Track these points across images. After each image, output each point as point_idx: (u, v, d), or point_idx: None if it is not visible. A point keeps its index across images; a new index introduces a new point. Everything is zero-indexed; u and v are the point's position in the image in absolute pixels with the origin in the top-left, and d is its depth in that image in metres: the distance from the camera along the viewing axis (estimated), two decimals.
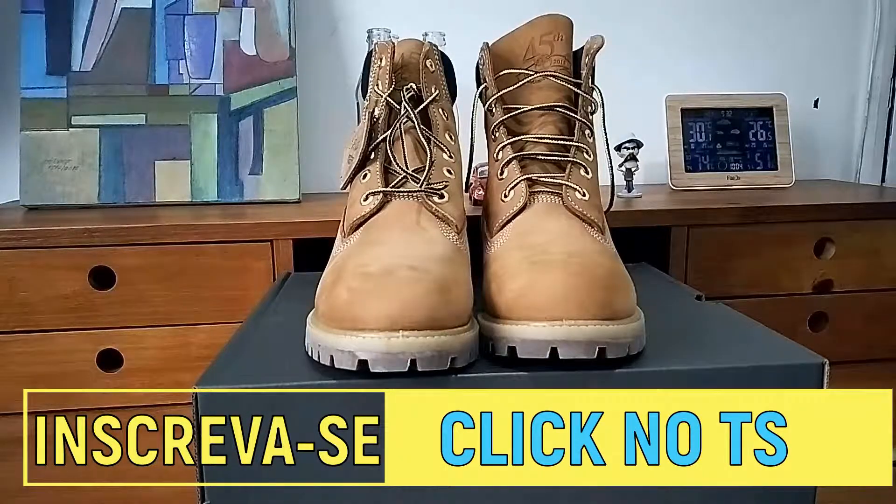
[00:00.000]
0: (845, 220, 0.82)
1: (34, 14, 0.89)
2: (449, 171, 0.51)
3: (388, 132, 0.51)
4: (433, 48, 0.56)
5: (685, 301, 0.56)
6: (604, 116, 0.57)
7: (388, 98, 0.52)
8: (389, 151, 0.50)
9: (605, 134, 0.58)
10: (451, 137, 0.54)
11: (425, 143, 0.51)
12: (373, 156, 0.51)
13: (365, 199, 0.49)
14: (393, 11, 1.04)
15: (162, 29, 0.91)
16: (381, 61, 0.53)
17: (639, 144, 0.92)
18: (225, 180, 0.90)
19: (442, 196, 0.49)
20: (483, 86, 0.57)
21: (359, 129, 0.52)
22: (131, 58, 0.90)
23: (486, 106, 0.56)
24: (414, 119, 0.51)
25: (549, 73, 0.54)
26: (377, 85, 0.53)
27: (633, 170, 0.93)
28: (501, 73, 0.55)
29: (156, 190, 0.89)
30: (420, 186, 0.49)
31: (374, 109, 0.52)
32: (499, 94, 0.55)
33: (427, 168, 0.50)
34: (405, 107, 0.51)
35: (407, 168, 0.50)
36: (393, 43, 0.53)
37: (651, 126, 1.00)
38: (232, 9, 0.93)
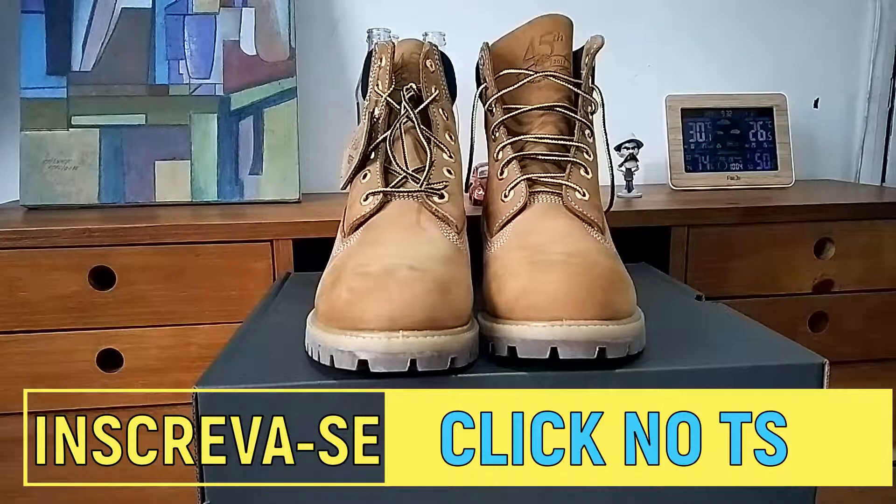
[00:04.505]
0: (845, 220, 0.82)
1: (34, 14, 0.89)
2: (449, 171, 0.51)
3: (388, 132, 0.51)
4: (433, 48, 0.56)
5: (685, 301, 0.56)
6: (604, 116, 0.57)
7: (388, 98, 0.52)
8: (389, 151, 0.50)
9: (605, 134, 0.58)
10: (451, 137, 0.54)
11: (425, 143, 0.51)
12: (373, 156, 0.51)
13: (365, 199, 0.49)
14: (393, 11, 1.04)
15: (162, 29, 0.91)
16: (381, 61, 0.53)
17: (639, 144, 0.92)
18: (225, 180, 0.90)
19: (442, 196, 0.49)
20: (483, 86, 0.57)
21: (359, 130, 0.52)
22: (131, 58, 0.90)
23: (486, 106, 0.56)
24: (414, 119, 0.51)
25: (549, 73, 0.54)
26: (377, 85, 0.52)
27: (633, 170, 0.93)
28: (501, 73, 0.55)
29: (156, 190, 0.89)
30: (420, 186, 0.49)
31: (374, 109, 0.52)
32: (499, 94, 0.55)
33: (427, 168, 0.50)
34: (405, 107, 0.51)
35: (407, 168, 0.50)
36: (393, 43, 0.53)
37: (651, 126, 0.99)
38: (232, 9, 0.93)
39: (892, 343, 0.85)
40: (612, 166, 0.61)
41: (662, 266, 0.76)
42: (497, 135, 0.55)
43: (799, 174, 1.03)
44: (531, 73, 0.54)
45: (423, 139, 0.51)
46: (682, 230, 0.79)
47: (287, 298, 0.59)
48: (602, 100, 0.56)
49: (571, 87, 0.54)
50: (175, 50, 0.91)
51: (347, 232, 0.48)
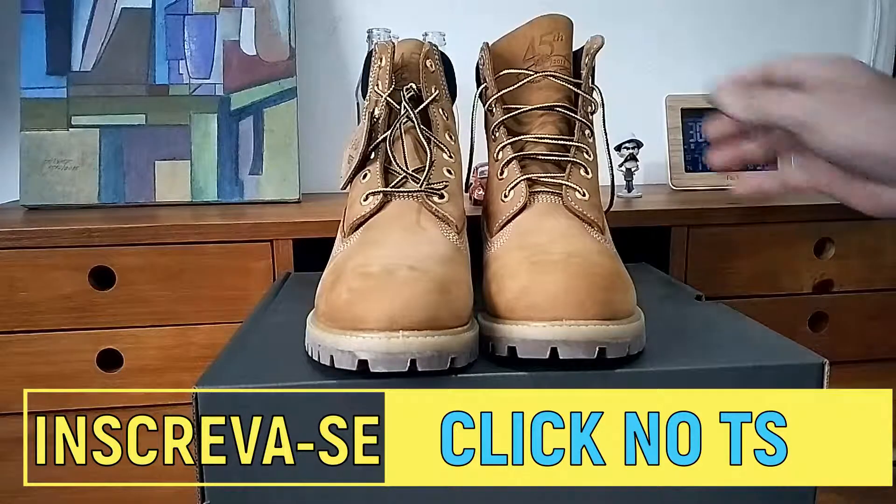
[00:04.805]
0: (845, 220, 0.82)
1: (34, 14, 0.89)
2: (449, 171, 0.51)
3: (388, 132, 0.51)
4: (433, 48, 0.56)
5: (685, 301, 0.56)
6: (604, 116, 0.57)
7: (388, 98, 0.52)
8: (389, 151, 0.50)
9: (605, 134, 0.58)
10: (451, 137, 0.54)
11: (425, 143, 0.51)
12: (373, 156, 0.51)
13: (365, 199, 0.49)
14: (393, 11, 1.04)
15: (162, 29, 0.91)
16: (381, 61, 0.53)
17: (639, 144, 0.92)
18: (225, 180, 0.90)
19: (442, 196, 0.49)
20: (483, 86, 0.57)
21: (359, 130, 0.52)
22: (131, 58, 0.90)
23: (486, 106, 0.56)
24: (414, 119, 0.51)
25: (549, 73, 0.54)
26: (377, 85, 0.52)
27: (633, 170, 0.93)
28: (501, 73, 0.55)
29: (156, 190, 0.89)
30: (420, 186, 0.49)
31: (374, 109, 0.52)
32: (499, 94, 0.55)
33: (427, 168, 0.50)
34: (405, 107, 0.51)
35: (407, 168, 0.50)
36: (393, 43, 0.53)
37: (651, 126, 0.99)
38: (232, 9, 0.93)
39: (892, 343, 0.85)
40: (612, 166, 0.61)
41: (662, 266, 0.76)
42: (497, 135, 0.55)
43: None
44: (531, 73, 0.54)
45: (423, 139, 0.51)
46: (682, 230, 0.79)
47: (287, 298, 0.59)
48: (602, 100, 0.56)
49: (571, 87, 0.54)
50: (175, 50, 0.91)
51: (347, 232, 0.48)
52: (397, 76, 0.53)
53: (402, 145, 0.51)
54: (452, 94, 0.58)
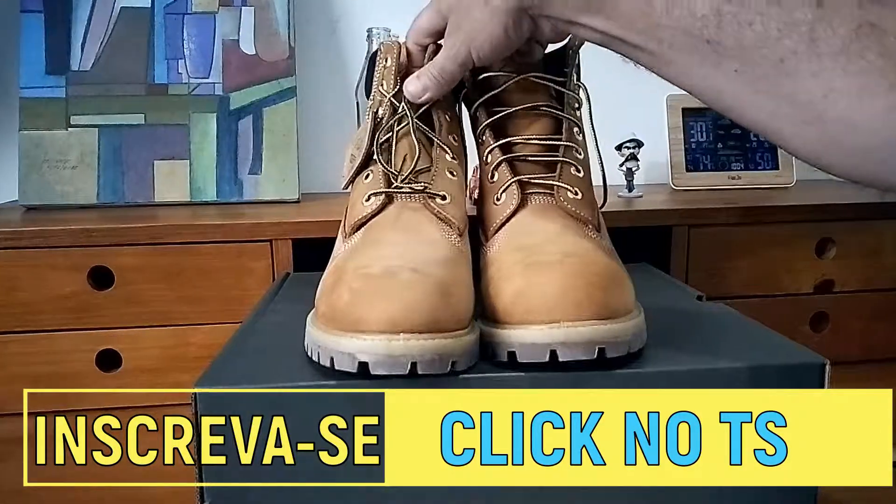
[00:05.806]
0: (846, 220, 0.82)
1: (33, 14, 0.89)
2: (451, 173, 0.51)
3: (392, 133, 0.51)
4: (438, 49, 0.55)
5: (685, 301, 0.56)
6: (590, 112, 0.56)
7: (391, 98, 0.51)
8: (392, 152, 0.50)
9: (593, 129, 0.57)
10: (454, 139, 0.53)
11: (428, 145, 0.51)
12: (375, 156, 0.51)
13: (366, 200, 0.49)
14: (393, 11, 1.04)
15: (161, 28, 0.91)
16: (386, 61, 0.52)
17: (639, 144, 0.92)
18: (224, 180, 0.90)
19: (444, 197, 0.49)
20: (465, 90, 0.56)
21: (362, 129, 0.52)
22: (130, 57, 0.90)
23: (472, 111, 0.55)
24: (417, 120, 0.51)
25: (530, 74, 0.53)
26: (381, 85, 0.52)
27: (633, 169, 0.93)
28: (482, 77, 0.54)
29: (155, 190, 0.89)
30: (422, 188, 0.49)
31: (377, 109, 0.52)
32: (482, 98, 0.54)
33: (430, 169, 0.49)
34: (408, 107, 0.51)
35: (410, 169, 0.50)
36: (399, 43, 0.53)
37: (652, 126, 0.99)
38: (231, 8, 0.93)
39: (893, 343, 0.85)
40: (602, 161, 0.60)
41: (663, 266, 0.76)
42: (484, 138, 0.53)
43: (800, 174, 1.03)
44: (512, 74, 0.53)
45: (426, 140, 0.51)
46: (683, 230, 0.79)
47: (287, 298, 0.59)
48: (588, 95, 0.55)
49: (554, 84, 0.53)
50: (174, 49, 0.91)
51: (349, 232, 0.48)
52: (402, 77, 0.53)
53: (405, 146, 0.51)
54: (457, 95, 0.57)
